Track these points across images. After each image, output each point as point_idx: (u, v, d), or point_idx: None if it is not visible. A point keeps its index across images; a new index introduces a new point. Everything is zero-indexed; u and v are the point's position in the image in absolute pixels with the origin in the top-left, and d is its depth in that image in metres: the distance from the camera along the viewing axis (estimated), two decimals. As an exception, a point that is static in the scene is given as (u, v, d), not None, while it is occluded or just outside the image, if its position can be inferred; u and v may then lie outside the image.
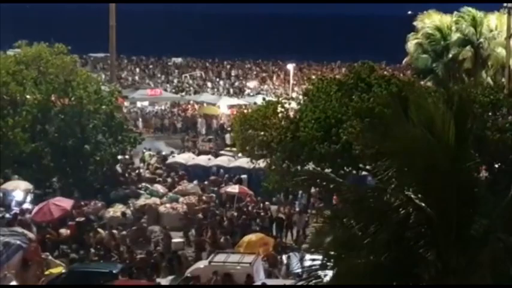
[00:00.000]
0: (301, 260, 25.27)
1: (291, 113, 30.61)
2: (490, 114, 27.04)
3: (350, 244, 10.65)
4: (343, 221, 11.08)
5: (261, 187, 32.24)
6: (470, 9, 46.14)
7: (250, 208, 31.43)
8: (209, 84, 71.69)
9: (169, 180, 35.63)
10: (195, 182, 34.62)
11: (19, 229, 25.38)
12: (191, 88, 68.47)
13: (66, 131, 32.50)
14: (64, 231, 27.49)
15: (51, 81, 33.14)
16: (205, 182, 34.96)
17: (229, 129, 47.63)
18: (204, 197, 32.51)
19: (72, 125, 32.56)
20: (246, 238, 26.32)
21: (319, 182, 12.30)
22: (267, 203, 31.88)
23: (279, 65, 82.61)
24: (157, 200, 32.05)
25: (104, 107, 33.65)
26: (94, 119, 33.03)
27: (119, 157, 35.66)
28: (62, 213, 28.50)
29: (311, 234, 14.03)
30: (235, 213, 30.78)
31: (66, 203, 29.22)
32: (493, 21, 45.50)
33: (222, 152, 42.34)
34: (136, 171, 37.15)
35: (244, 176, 35.54)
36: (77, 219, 28.61)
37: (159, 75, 76.94)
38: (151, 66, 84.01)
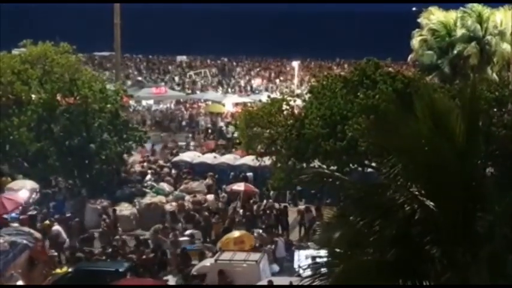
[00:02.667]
0: (289, 246, 25.58)
1: (296, 111, 30.60)
2: (495, 110, 27.02)
3: (355, 241, 10.64)
4: (349, 218, 11.07)
5: (266, 185, 32.25)
6: (475, 5, 46.01)
7: (256, 206, 31.41)
8: (214, 82, 71.72)
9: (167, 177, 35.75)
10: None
11: (25, 228, 25.45)
12: (196, 86, 68.50)
13: (72, 130, 32.51)
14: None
15: (56, 80, 33.16)
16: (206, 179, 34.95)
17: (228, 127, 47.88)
18: (208, 196, 32.55)
19: (78, 124, 32.57)
20: (226, 236, 26.45)
21: (324, 180, 12.27)
22: (270, 200, 31.84)
23: (283, 62, 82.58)
24: (163, 198, 32.11)
25: (109, 105, 33.66)
26: (99, 118, 33.03)
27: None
28: (15, 206, 28.64)
29: (316, 231, 14.02)
30: (241, 211, 30.80)
31: (20, 197, 29.37)
32: (499, 17, 45.36)
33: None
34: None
35: (250, 174, 35.54)
36: (30, 213, 28.82)
37: (164, 73, 76.99)
38: (156, 65, 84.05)
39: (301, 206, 31.82)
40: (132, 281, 22.40)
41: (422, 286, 10.39)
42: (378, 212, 10.67)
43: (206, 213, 29.97)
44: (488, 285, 10.10)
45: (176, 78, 73.13)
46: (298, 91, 48.76)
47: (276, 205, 31.54)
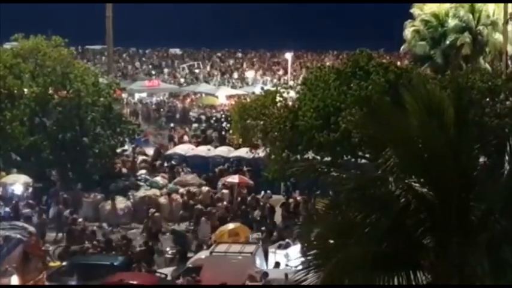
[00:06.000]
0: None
1: (290, 102, 30.59)
2: (488, 100, 27.08)
3: (350, 233, 10.63)
4: (342, 209, 11.07)
5: (260, 177, 32.23)
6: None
7: (250, 198, 31.39)
8: (207, 74, 71.55)
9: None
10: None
11: (19, 223, 25.42)
12: (189, 79, 68.34)
13: (65, 124, 32.43)
14: None
15: (48, 74, 33.01)
16: (211, 174, 34.96)
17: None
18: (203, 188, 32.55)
19: (71, 118, 32.48)
20: (222, 227, 26.55)
21: (319, 171, 12.27)
22: (269, 191, 31.78)
23: (276, 54, 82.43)
24: (157, 191, 32.09)
25: (102, 99, 33.55)
26: (92, 112, 32.92)
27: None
28: None
29: (306, 223, 14.01)
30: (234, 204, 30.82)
31: None
32: (491, 7, 45.39)
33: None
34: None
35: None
36: None
37: (156, 66, 76.77)
38: (149, 58, 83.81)
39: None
40: (127, 275, 22.31)
41: (422, 286, 10.40)
42: (372, 203, 10.68)
43: (199, 205, 29.98)
44: (484, 285, 10.09)
45: (169, 71, 72.92)
46: (291, 83, 48.71)
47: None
